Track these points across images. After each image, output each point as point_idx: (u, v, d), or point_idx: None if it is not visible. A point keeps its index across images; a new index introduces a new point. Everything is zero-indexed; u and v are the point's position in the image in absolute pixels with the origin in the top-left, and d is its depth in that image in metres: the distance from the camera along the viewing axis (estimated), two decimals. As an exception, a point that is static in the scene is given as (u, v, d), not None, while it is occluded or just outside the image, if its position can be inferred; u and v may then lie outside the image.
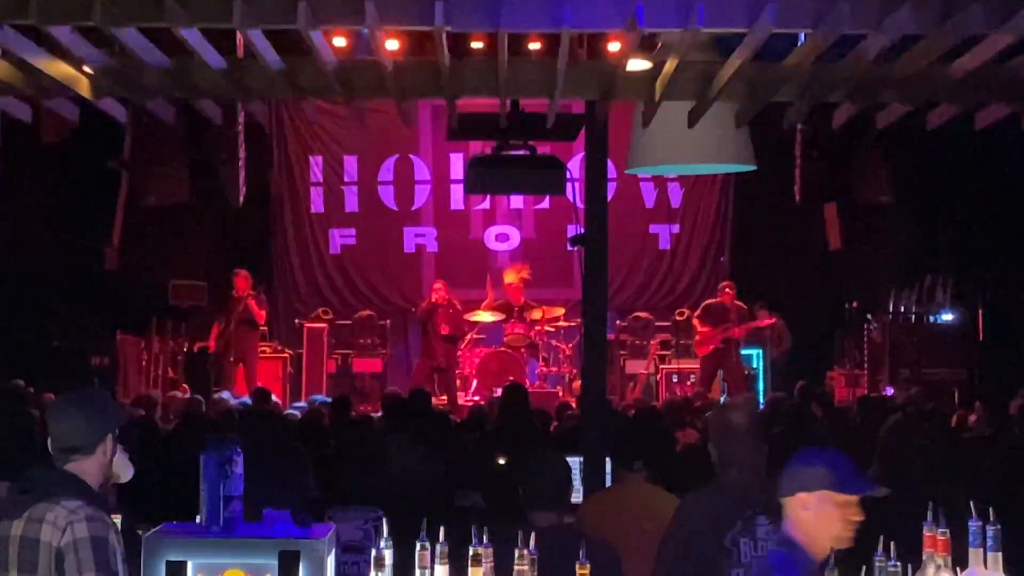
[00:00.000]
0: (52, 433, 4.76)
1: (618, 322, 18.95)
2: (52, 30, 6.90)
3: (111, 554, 4.49)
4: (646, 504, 6.47)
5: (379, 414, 11.77)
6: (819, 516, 4.50)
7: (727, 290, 18.08)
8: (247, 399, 13.57)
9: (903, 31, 6.55)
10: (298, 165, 20.63)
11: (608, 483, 8.04)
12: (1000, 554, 4.19)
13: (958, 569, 4.28)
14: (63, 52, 7.40)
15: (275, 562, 4.66)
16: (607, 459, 8.07)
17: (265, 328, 18.35)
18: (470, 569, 4.14)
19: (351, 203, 20.73)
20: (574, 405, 13.76)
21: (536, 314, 18.45)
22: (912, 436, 7.35)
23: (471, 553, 4.14)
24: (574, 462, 7.33)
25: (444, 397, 17.58)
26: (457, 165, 19.89)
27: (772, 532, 5.19)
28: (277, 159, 20.55)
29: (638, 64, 7.82)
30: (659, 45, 8.01)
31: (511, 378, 15.86)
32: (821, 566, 4.30)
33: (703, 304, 18.28)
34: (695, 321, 18.04)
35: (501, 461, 9.14)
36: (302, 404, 12.86)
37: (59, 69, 7.61)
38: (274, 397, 14.78)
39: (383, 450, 7.66)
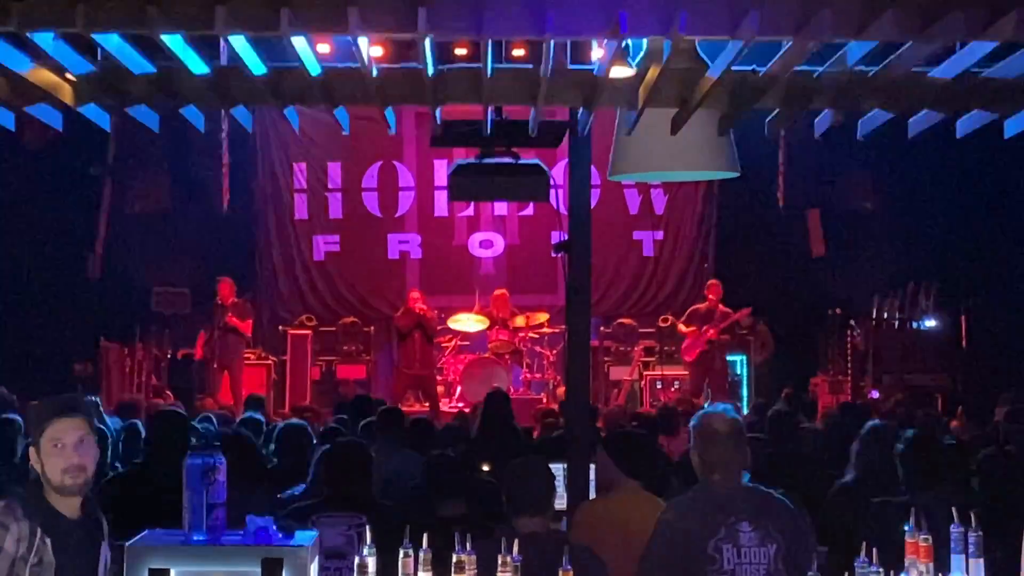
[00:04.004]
0: None
1: (602, 328, 18.97)
2: (35, 36, 6.89)
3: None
4: (643, 512, 6.45)
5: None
6: None
7: (710, 293, 18.05)
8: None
9: (885, 38, 6.56)
10: (282, 172, 20.61)
11: (592, 489, 8.04)
12: (982, 560, 4.20)
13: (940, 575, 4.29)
14: (46, 59, 7.39)
15: (258, 569, 4.65)
16: (591, 465, 8.08)
17: (250, 335, 18.33)
18: (453, 576, 4.14)
19: (335, 210, 20.72)
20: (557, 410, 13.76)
21: (520, 321, 18.48)
22: (893, 442, 7.37)
23: (454, 560, 4.14)
24: (557, 468, 7.33)
25: (426, 404, 17.57)
26: (441, 172, 19.89)
27: (755, 538, 5.20)
28: (261, 166, 20.53)
29: (621, 71, 7.82)
30: (642, 52, 8.02)
31: (495, 385, 15.87)
32: None
33: (689, 310, 18.24)
34: (680, 325, 18.00)
35: (485, 468, 9.13)
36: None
37: (42, 76, 7.59)
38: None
39: (367, 457, 7.65)
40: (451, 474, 7.95)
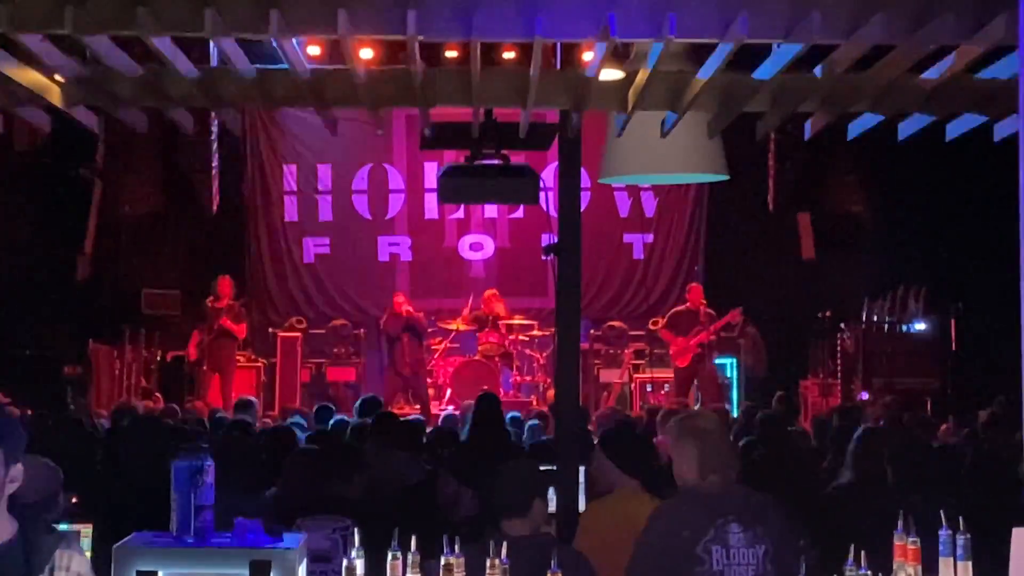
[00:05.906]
0: None
1: (592, 331, 18.98)
2: (23, 38, 6.87)
3: None
4: (648, 510, 6.41)
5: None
6: None
7: (690, 294, 18.05)
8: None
9: (875, 41, 6.56)
10: (272, 174, 20.60)
11: (582, 492, 8.04)
12: (970, 563, 4.20)
13: (928, 578, 4.28)
14: (34, 60, 7.37)
15: (246, 572, 4.65)
16: (581, 468, 8.08)
17: (243, 338, 18.33)
18: (442, 579, 4.13)
19: (325, 212, 20.72)
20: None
21: (510, 322, 18.51)
22: (884, 446, 7.38)
23: (442, 563, 4.13)
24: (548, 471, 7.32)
25: (417, 407, 17.56)
26: (431, 174, 19.90)
27: (744, 539, 5.19)
28: (251, 168, 20.52)
29: (611, 74, 7.82)
30: (632, 55, 8.02)
31: (485, 387, 15.86)
32: None
33: (670, 313, 18.21)
34: (662, 333, 17.99)
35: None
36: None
37: (30, 77, 7.57)
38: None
39: (357, 458, 7.65)
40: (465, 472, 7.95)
